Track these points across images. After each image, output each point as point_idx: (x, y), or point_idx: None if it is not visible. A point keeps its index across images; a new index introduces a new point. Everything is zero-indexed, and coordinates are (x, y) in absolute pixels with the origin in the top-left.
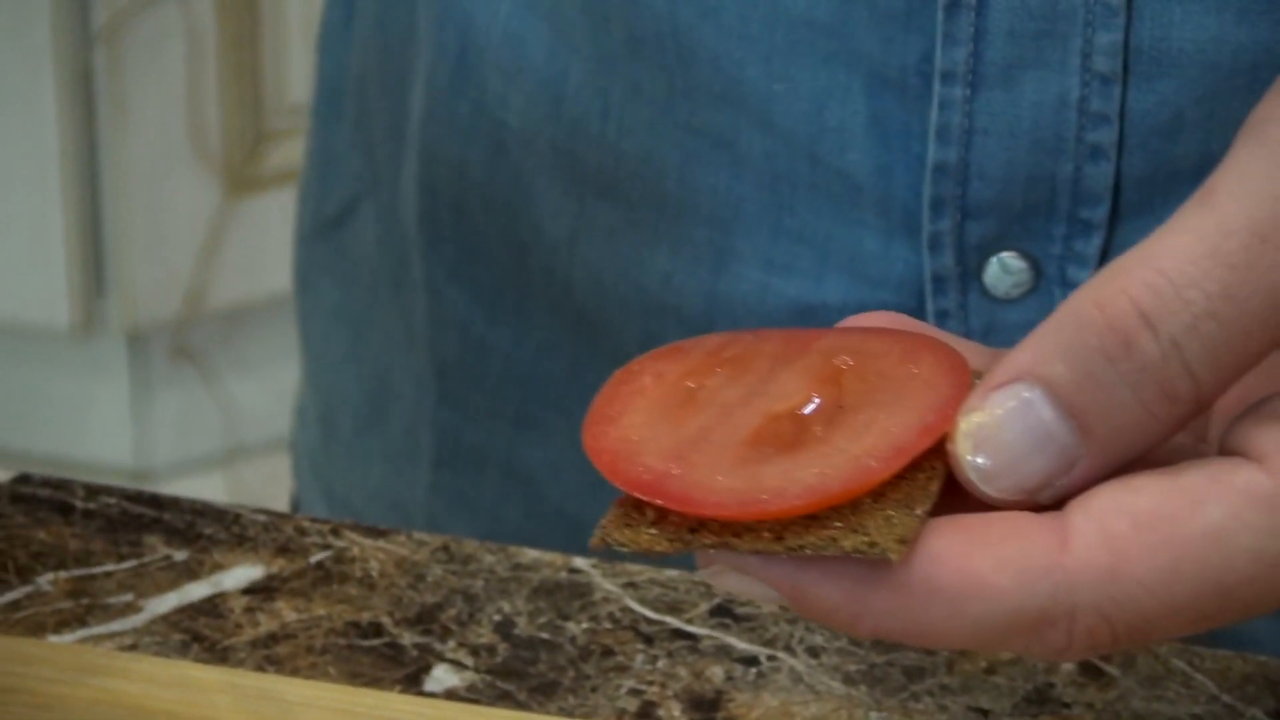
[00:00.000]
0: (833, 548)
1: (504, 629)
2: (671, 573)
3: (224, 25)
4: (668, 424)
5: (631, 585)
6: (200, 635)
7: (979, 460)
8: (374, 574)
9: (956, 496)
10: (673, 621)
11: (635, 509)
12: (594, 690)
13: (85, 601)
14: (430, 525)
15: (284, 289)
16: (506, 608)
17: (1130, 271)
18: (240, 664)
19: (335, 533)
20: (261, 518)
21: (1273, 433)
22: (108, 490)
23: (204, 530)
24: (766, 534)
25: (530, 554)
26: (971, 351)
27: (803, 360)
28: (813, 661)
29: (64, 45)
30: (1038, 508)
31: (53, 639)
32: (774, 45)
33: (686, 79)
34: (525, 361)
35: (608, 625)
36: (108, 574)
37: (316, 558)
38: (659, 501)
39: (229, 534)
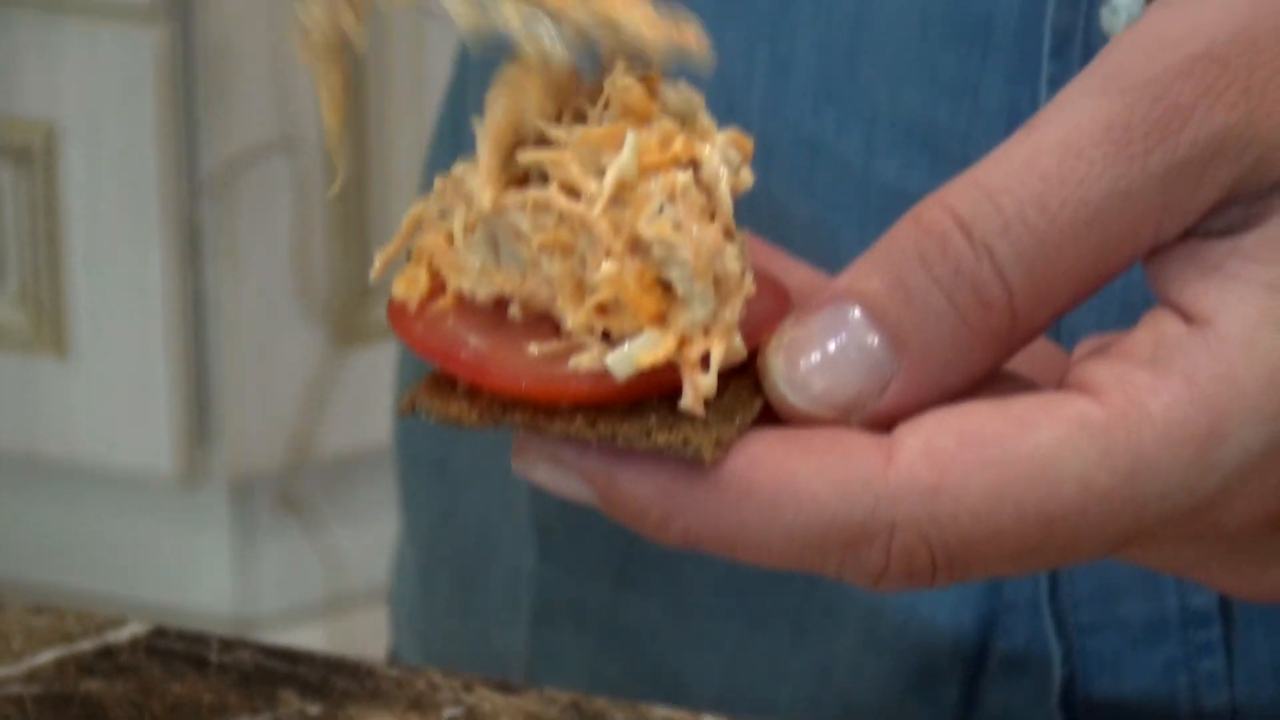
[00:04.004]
0: (646, 441)
1: None
2: None
3: (331, 177)
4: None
5: None
6: None
7: (789, 374)
8: None
9: (781, 424)
10: None
11: (449, 378)
12: None
13: None
14: (529, 680)
15: (389, 440)
16: None
17: (948, 187)
18: None
19: (467, 688)
20: (394, 672)
21: (1108, 367)
22: (243, 644)
23: (338, 684)
24: (580, 419)
25: (660, 711)
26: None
27: None
28: None
29: (171, 195)
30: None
31: None
32: (867, 213)
33: (781, 244)
34: None
35: None
36: None
37: (450, 713)
38: (466, 375)
39: (362, 688)
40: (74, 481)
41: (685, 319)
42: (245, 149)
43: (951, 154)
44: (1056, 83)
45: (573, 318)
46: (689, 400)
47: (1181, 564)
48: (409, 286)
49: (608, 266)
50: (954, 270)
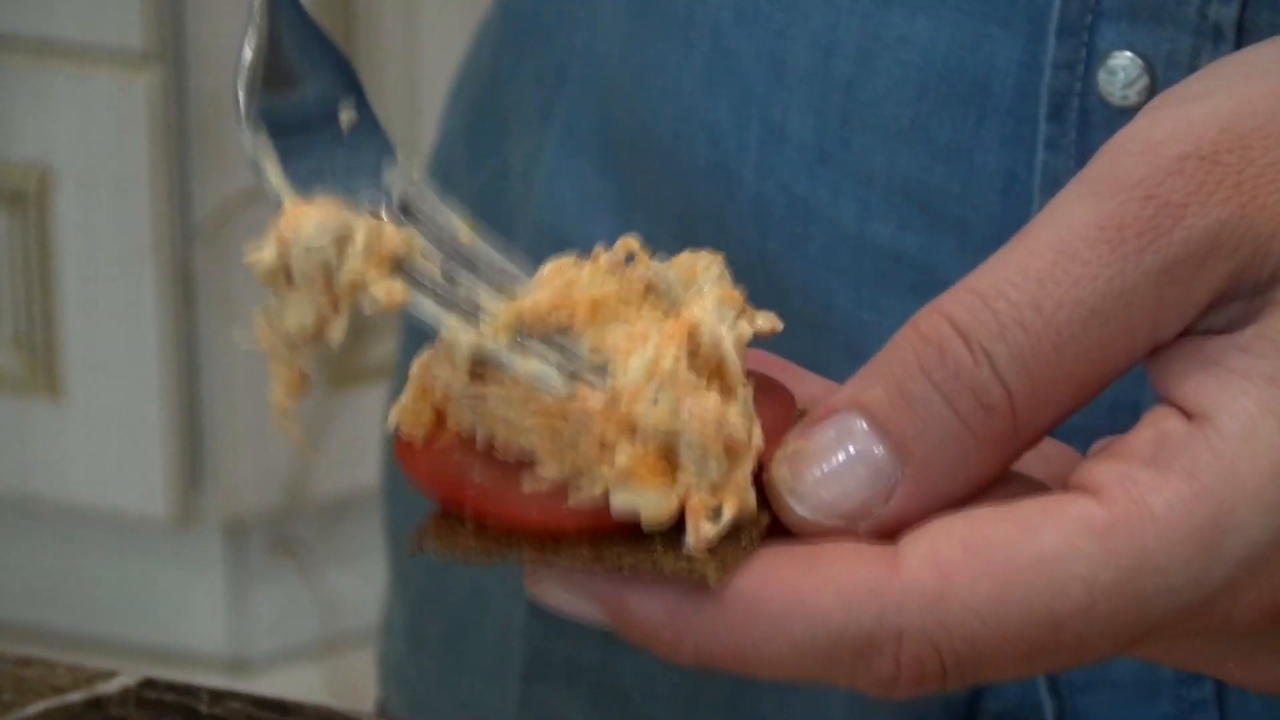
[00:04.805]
0: (652, 568)
1: None
2: None
3: None
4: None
5: None
6: None
7: (794, 485)
8: None
9: (790, 540)
10: None
11: (455, 514)
12: None
13: None
14: None
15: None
16: None
17: (945, 295)
18: None
19: None
20: None
21: (1110, 467)
22: (233, 695)
23: None
24: (586, 550)
25: None
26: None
27: None
28: None
29: (164, 239)
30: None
31: None
32: (862, 275)
33: (775, 306)
34: None
35: None
36: None
37: None
38: (473, 508)
39: None
40: (68, 524)
41: (696, 479)
42: (238, 194)
43: (947, 217)
44: (1053, 146)
45: (554, 469)
46: (692, 542)
47: (1194, 660)
48: (413, 422)
49: (621, 458)
50: (953, 376)
